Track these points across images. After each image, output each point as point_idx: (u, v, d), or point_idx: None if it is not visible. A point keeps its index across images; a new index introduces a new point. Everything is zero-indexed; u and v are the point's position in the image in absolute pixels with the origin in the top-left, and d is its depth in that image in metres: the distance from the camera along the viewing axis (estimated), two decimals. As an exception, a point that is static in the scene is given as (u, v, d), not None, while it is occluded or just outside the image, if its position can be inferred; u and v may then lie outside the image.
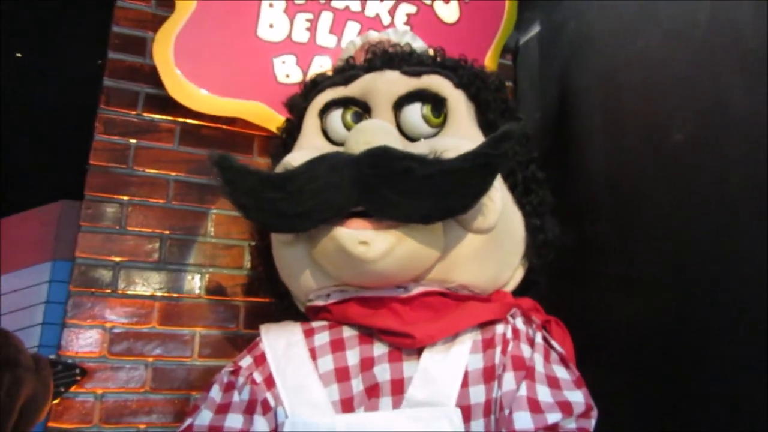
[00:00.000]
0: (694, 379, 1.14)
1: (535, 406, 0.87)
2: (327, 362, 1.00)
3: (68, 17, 1.61)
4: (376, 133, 0.99)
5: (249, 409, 0.97)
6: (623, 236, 1.38)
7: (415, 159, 0.90)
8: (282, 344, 1.05)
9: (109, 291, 1.40)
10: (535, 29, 1.84)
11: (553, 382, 0.92)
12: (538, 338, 0.98)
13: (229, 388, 1.01)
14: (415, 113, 1.08)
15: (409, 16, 1.59)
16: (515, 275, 1.11)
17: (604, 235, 1.42)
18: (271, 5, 1.49)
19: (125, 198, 1.46)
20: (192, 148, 1.54)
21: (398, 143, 1.00)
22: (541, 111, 1.74)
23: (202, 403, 1.01)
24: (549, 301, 1.15)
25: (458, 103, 1.09)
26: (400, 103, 1.09)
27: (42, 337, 1.37)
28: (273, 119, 1.50)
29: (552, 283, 1.22)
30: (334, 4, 1.54)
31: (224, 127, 1.57)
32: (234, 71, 1.47)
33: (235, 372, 1.03)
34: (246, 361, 1.05)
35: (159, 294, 1.44)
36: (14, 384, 0.94)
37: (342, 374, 0.98)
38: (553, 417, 0.86)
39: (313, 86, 1.19)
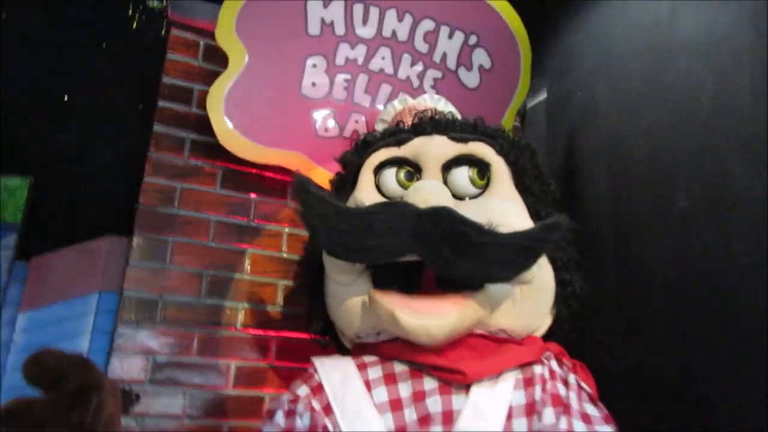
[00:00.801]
0: (695, 421, 1.28)
1: (574, 438, 1.00)
2: (382, 393, 1.11)
3: (120, 64, 1.72)
4: (434, 192, 1.13)
5: (311, 435, 1.07)
6: (627, 293, 1.53)
7: (472, 226, 1.04)
8: (338, 376, 1.15)
9: (152, 322, 1.49)
10: (543, 95, 2.02)
11: (586, 419, 1.05)
12: (572, 379, 1.11)
13: (290, 414, 1.11)
14: (462, 175, 1.22)
15: (435, 80, 1.76)
16: (545, 322, 1.24)
17: (610, 291, 1.57)
18: (314, 65, 1.64)
19: (170, 236, 1.56)
20: (232, 191, 1.66)
21: (451, 202, 1.14)
22: (548, 171, 1.90)
23: (267, 428, 1.11)
24: (566, 347, 1.29)
25: (500, 167, 1.24)
26: (448, 166, 1.23)
27: (87, 365, 1.44)
28: (311, 168, 1.63)
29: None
30: (370, 67, 1.69)
31: (262, 173, 1.69)
32: (278, 124, 1.60)
33: (294, 401, 1.13)
34: (303, 391, 1.15)
35: (198, 326, 1.54)
36: (98, 406, 1.01)
37: (396, 405, 1.09)
38: (590, 447, 0.99)
39: (366, 145, 1.33)
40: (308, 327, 1.46)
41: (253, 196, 1.67)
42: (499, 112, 1.84)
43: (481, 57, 1.80)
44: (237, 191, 1.66)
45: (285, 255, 1.67)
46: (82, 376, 1.00)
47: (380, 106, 1.69)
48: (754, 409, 1.16)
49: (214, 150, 1.62)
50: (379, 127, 1.56)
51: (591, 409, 1.08)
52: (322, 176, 1.64)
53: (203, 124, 1.63)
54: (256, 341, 1.58)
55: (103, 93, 1.71)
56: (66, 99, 1.67)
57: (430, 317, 1.07)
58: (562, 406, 1.05)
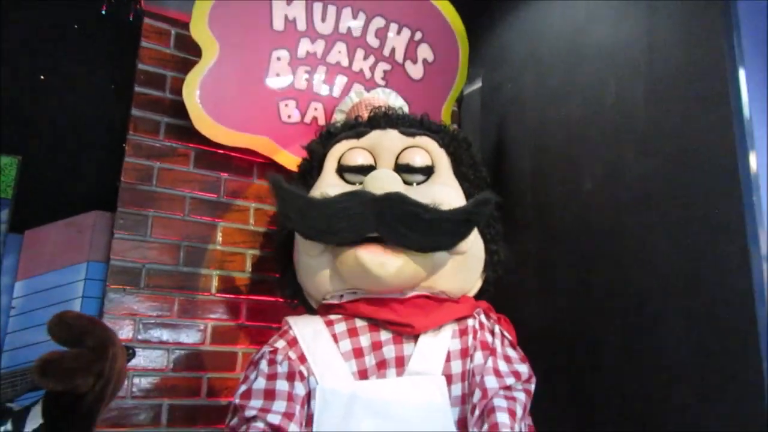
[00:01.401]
0: (592, 363, 1.60)
1: (497, 374, 1.29)
2: (346, 344, 1.37)
3: (95, 48, 1.87)
4: (387, 180, 1.38)
5: (290, 377, 1.32)
6: (542, 255, 1.84)
7: (420, 206, 1.30)
8: (309, 331, 1.40)
9: (137, 288, 1.69)
10: (478, 84, 2.28)
11: (507, 359, 1.35)
12: (497, 329, 1.41)
13: (272, 362, 1.35)
14: (411, 165, 1.48)
15: (385, 72, 1.98)
16: (477, 284, 1.53)
17: (529, 258, 1.87)
18: (278, 58, 1.83)
19: (150, 211, 1.75)
20: (204, 170, 1.85)
21: (402, 188, 1.39)
22: (480, 153, 2.17)
23: (251, 374, 1.35)
24: (492, 304, 1.58)
25: (441, 158, 1.50)
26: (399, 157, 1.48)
27: (79, 326, 1.63)
28: (276, 151, 1.84)
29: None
30: (328, 59, 1.90)
31: (230, 153, 1.88)
32: (246, 110, 1.80)
33: (274, 351, 1.37)
34: (280, 344, 1.39)
35: (177, 292, 1.75)
36: (113, 358, 1.22)
37: (358, 353, 1.36)
38: (509, 380, 1.29)
39: (330, 136, 1.56)
40: (276, 291, 1.70)
41: (223, 174, 1.87)
42: (440, 100, 2.09)
43: (425, 51, 2.03)
44: (208, 170, 1.86)
45: (252, 228, 1.89)
46: (100, 334, 1.21)
47: (336, 95, 1.91)
48: (636, 352, 1.49)
49: (187, 133, 1.80)
50: (338, 116, 1.79)
51: (511, 352, 1.38)
52: (286, 158, 1.85)
53: (176, 109, 1.81)
54: (229, 304, 1.80)
55: (83, 77, 1.85)
56: (45, 80, 1.80)
57: (385, 257, 1.33)
58: (489, 350, 1.35)
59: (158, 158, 1.79)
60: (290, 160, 1.85)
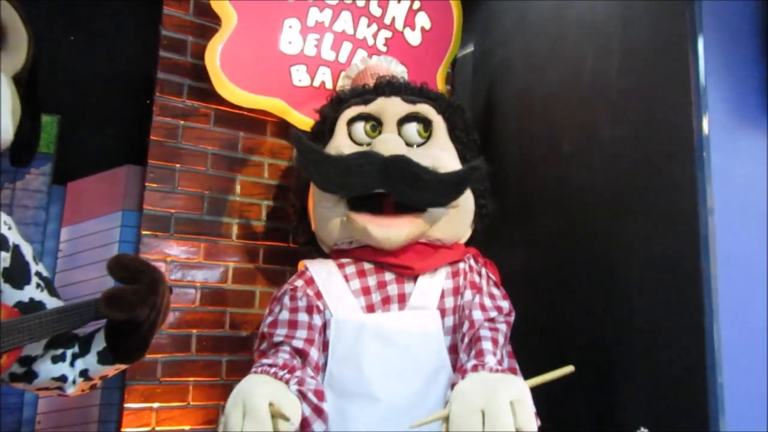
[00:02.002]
0: (566, 299, 1.86)
1: (483, 308, 1.55)
2: (356, 283, 1.62)
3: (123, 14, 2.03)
4: (393, 143, 1.61)
5: (309, 311, 1.56)
6: (525, 208, 2.07)
7: (422, 168, 1.53)
8: (323, 272, 1.65)
9: (167, 234, 1.92)
10: (470, 48, 2.47)
11: (491, 296, 1.60)
12: (483, 272, 1.66)
13: (293, 298, 1.59)
14: (412, 129, 1.69)
15: (386, 39, 2.17)
16: (467, 233, 1.77)
17: (513, 210, 2.11)
18: (290, 26, 2.01)
19: (177, 165, 1.96)
20: (223, 128, 2.05)
21: (404, 150, 1.61)
22: (471, 112, 2.38)
23: (276, 307, 1.59)
24: (480, 250, 1.82)
25: (439, 123, 1.72)
26: (402, 121, 1.70)
27: (118, 267, 1.86)
28: (288, 112, 2.04)
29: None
30: (334, 28, 2.08)
31: (246, 113, 2.08)
32: (262, 75, 1.99)
33: (294, 289, 1.62)
34: (299, 282, 1.64)
35: (202, 237, 1.97)
36: (163, 293, 1.45)
37: (366, 291, 1.61)
38: (493, 314, 1.54)
39: (340, 102, 1.76)
40: (289, 238, 1.94)
41: (240, 132, 2.07)
42: (436, 64, 2.28)
43: (422, 19, 2.22)
44: (227, 129, 2.05)
45: (266, 181, 2.10)
46: (152, 272, 1.44)
47: (342, 61, 2.10)
48: (604, 288, 1.75)
49: (207, 94, 2.00)
50: (345, 81, 1.98)
51: (495, 291, 1.63)
52: (297, 118, 2.06)
53: (197, 72, 2.00)
54: (247, 249, 2.04)
55: (112, 40, 2.03)
56: (78, 44, 1.97)
57: (391, 229, 1.57)
58: (476, 288, 1.60)
59: (182, 117, 1.98)
60: (301, 120, 2.05)
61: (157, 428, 1.82)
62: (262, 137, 2.11)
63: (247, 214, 2.06)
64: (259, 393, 1.21)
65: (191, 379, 1.88)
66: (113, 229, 1.88)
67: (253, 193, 2.08)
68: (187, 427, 1.85)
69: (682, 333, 1.52)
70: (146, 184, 1.90)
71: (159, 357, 1.84)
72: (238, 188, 2.05)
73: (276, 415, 1.18)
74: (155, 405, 1.82)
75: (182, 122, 1.98)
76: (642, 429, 1.17)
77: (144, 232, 1.88)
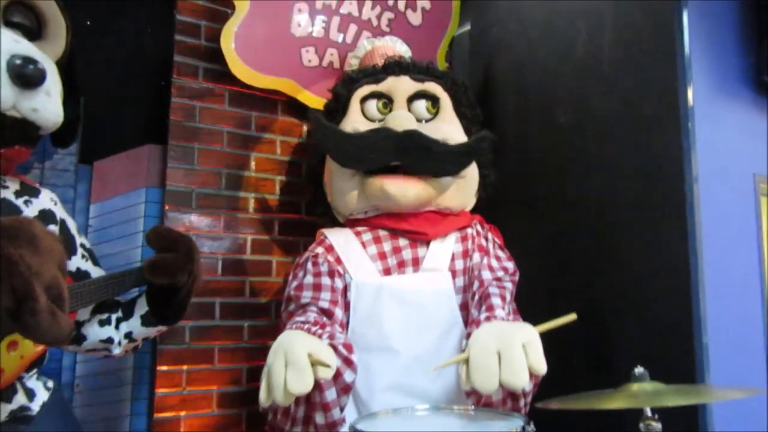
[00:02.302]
0: (563, 258, 2.02)
1: (491, 269, 1.70)
2: (372, 249, 1.75)
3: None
4: (405, 119, 1.74)
5: (330, 275, 1.70)
6: (524, 177, 2.21)
7: (432, 141, 1.66)
8: (342, 240, 1.78)
9: (190, 209, 2.03)
10: (467, 27, 2.59)
11: (498, 258, 1.75)
12: (489, 236, 1.81)
13: (315, 264, 1.73)
14: (421, 106, 1.82)
15: (389, 20, 2.28)
16: (473, 201, 1.91)
17: (512, 179, 2.24)
18: (299, 10, 2.12)
19: (196, 144, 2.07)
20: (237, 108, 2.16)
21: (415, 125, 1.74)
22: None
23: (300, 272, 1.73)
24: (484, 217, 1.97)
25: (446, 100, 1.84)
26: (411, 99, 1.82)
27: (143, 240, 1.97)
28: (298, 91, 2.16)
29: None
30: (341, 10, 2.19)
31: (258, 93, 2.19)
32: (273, 56, 2.09)
33: (315, 256, 1.75)
34: (320, 250, 1.77)
35: (221, 211, 2.09)
36: (198, 260, 1.58)
37: (382, 256, 1.75)
38: (500, 273, 1.69)
39: (352, 81, 1.88)
40: (308, 209, 2.07)
41: (253, 112, 2.18)
42: (436, 43, 2.40)
43: (423, 1, 2.33)
44: (241, 108, 2.16)
45: (279, 157, 2.22)
46: (188, 242, 1.57)
47: (349, 42, 2.21)
48: (597, 244, 1.90)
49: (221, 75, 2.10)
50: (353, 62, 2.10)
51: (501, 253, 1.78)
52: (307, 97, 2.17)
53: (211, 55, 2.09)
54: (264, 221, 2.16)
55: (132, 25, 2.12)
56: (99, 30, 2.06)
57: (405, 186, 1.70)
58: (483, 251, 1.75)
59: (199, 98, 2.09)
60: (310, 98, 2.16)
61: (187, 389, 1.95)
62: (273, 116, 2.22)
63: (262, 188, 2.17)
64: (298, 344, 1.35)
65: (216, 343, 2.02)
66: (138, 204, 1.99)
67: (267, 169, 2.19)
68: (214, 387, 1.99)
69: (670, 284, 1.68)
70: (168, 161, 2.01)
71: (187, 323, 1.96)
72: (252, 164, 2.17)
73: (315, 363, 1.32)
74: (185, 368, 1.96)
75: (199, 103, 2.09)
76: (638, 367, 1.32)
77: (168, 207, 1.99)
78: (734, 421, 1.64)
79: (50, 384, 1.42)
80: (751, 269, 1.82)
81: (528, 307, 1.76)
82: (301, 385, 1.31)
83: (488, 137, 1.74)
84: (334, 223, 1.96)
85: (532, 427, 1.28)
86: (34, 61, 1.25)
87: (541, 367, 1.34)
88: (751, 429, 1.67)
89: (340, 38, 2.21)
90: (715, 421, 1.58)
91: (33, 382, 1.36)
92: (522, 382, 1.33)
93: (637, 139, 1.84)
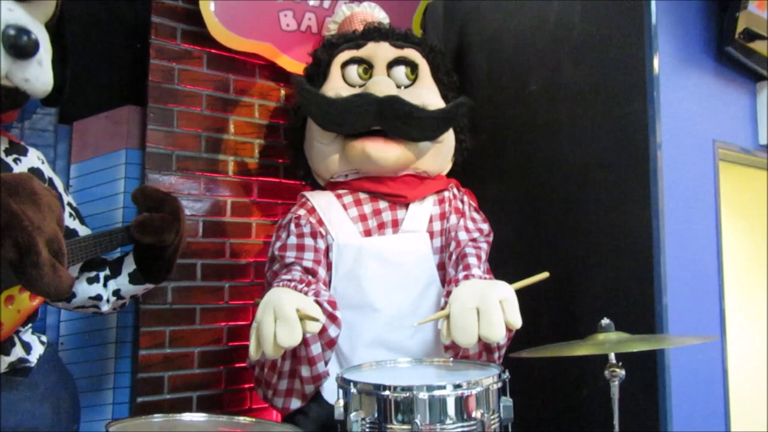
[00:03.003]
0: (535, 220, 2.11)
1: (467, 230, 1.78)
2: (353, 211, 1.81)
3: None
4: (385, 84, 1.79)
5: (313, 236, 1.76)
6: (496, 143, 2.29)
7: (413, 107, 1.72)
8: (323, 202, 1.83)
9: (170, 171, 2.05)
10: (441, -5, 2.62)
11: (473, 220, 1.83)
12: (465, 199, 1.88)
13: (298, 225, 1.78)
14: (401, 71, 1.87)
15: (366, -14, 2.30)
16: (449, 165, 1.97)
17: (484, 143, 2.32)
18: (278, -27, 2.13)
19: (175, 106, 2.07)
20: (215, 71, 2.17)
21: (395, 91, 1.79)
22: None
23: (283, 233, 1.78)
24: (459, 180, 2.04)
25: (424, 66, 1.89)
26: (391, 65, 1.87)
27: (125, 201, 1.99)
28: (277, 55, 2.18)
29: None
30: (319, -25, 2.21)
31: (236, 56, 2.20)
32: (252, 20, 2.10)
33: (297, 217, 1.80)
34: (302, 212, 1.82)
35: (201, 174, 2.12)
36: (184, 220, 1.62)
37: (363, 217, 1.81)
38: (475, 234, 1.77)
39: (332, 46, 1.91)
40: (290, 173, 2.11)
41: (231, 75, 2.20)
42: (411, 11, 2.44)
43: (399, -33, 2.35)
44: (219, 71, 2.17)
45: (257, 121, 2.24)
46: (173, 202, 1.61)
47: (326, 7, 2.23)
48: (568, 209, 2.00)
49: (199, 37, 2.10)
50: (332, 27, 2.12)
51: (476, 215, 1.87)
52: (285, 61, 2.19)
53: (188, 16, 2.09)
54: (243, 184, 2.19)
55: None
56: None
57: (386, 149, 1.76)
58: (460, 213, 1.83)
59: (177, 60, 2.09)
60: (289, 62, 2.19)
61: (170, 348, 2.00)
62: (252, 79, 2.24)
63: (241, 151, 2.20)
64: (286, 301, 1.41)
65: (198, 303, 2.06)
66: (118, 166, 2.00)
67: (246, 132, 2.22)
68: (196, 346, 2.05)
69: (633, 243, 1.78)
70: (148, 123, 2.02)
71: (169, 284, 2.00)
72: (231, 127, 2.19)
73: (303, 318, 1.39)
74: (167, 327, 2.00)
75: (177, 65, 2.09)
76: (605, 319, 1.43)
77: (148, 169, 2.01)
78: (690, 373, 1.77)
79: (44, 338, 1.46)
80: (709, 229, 1.95)
81: (500, 267, 1.85)
82: (291, 338, 1.37)
83: (466, 102, 1.81)
84: (315, 186, 2.00)
85: (507, 374, 1.37)
86: (27, 32, 1.25)
87: (517, 321, 1.43)
88: (705, 375, 1.82)
89: (317, 2, 2.22)
90: (672, 371, 1.70)
91: (29, 335, 1.40)
92: (499, 336, 1.42)
93: (605, 106, 1.92)
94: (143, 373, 1.95)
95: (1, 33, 1.23)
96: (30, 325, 1.41)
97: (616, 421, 1.43)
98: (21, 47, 1.25)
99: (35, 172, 1.44)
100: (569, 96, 2.03)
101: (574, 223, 1.97)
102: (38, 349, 1.40)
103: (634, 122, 1.85)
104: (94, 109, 2.04)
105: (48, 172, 1.51)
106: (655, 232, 1.77)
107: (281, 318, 1.38)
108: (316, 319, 1.39)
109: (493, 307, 1.41)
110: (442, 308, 1.55)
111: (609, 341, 1.40)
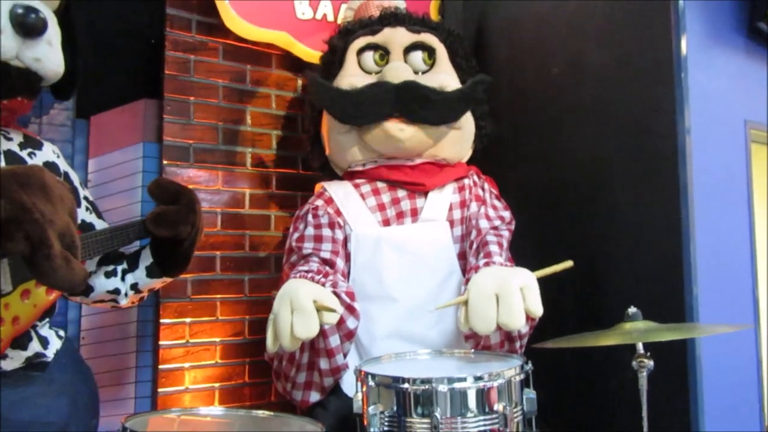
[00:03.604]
0: (555, 212, 2.06)
1: (488, 218, 1.73)
2: (372, 200, 1.78)
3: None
4: (402, 70, 1.75)
5: (331, 226, 1.73)
6: (517, 129, 2.23)
7: (430, 90, 1.68)
8: (341, 192, 1.81)
9: (188, 164, 2.04)
10: (460, -21, 2.57)
11: (494, 207, 1.79)
12: (486, 186, 1.84)
13: (315, 216, 1.75)
14: (417, 57, 1.83)
15: (383, -26, 2.26)
16: (468, 153, 1.93)
17: (505, 129, 2.27)
18: (292, -39, 2.10)
19: (192, 98, 2.06)
20: (232, 62, 2.15)
21: (412, 76, 1.75)
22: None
23: (300, 224, 1.75)
24: (480, 168, 1.99)
25: (442, 51, 1.85)
26: (408, 50, 1.83)
27: (143, 195, 1.98)
28: (293, 44, 2.14)
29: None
30: (334, -38, 2.17)
31: (252, 47, 2.17)
32: (267, 9, 2.07)
33: (315, 208, 1.78)
34: (320, 202, 1.79)
35: (219, 166, 2.10)
36: (200, 212, 1.60)
37: (381, 207, 1.78)
38: (497, 222, 1.73)
39: (348, 33, 1.88)
40: (307, 163, 2.09)
41: (247, 65, 2.17)
42: (428, -2, 2.40)
43: (416, -47, 2.30)
44: (235, 62, 2.15)
45: (274, 111, 2.22)
46: (189, 194, 1.59)
47: (342, -6, 2.20)
48: (590, 196, 1.94)
49: (215, 29, 2.09)
50: (348, 13, 2.09)
51: (497, 203, 1.82)
52: (301, 50, 2.16)
53: (203, 8, 2.07)
54: (261, 176, 2.17)
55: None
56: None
57: (403, 125, 1.72)
58: (480, 201, 1.78)
59: (193, 52, 2.07)
60: (305, 51, 2.15)
61: (191, 340, 1.99)
62: (268, 69, 2.21)
63: (258, 143, 2.18)
64: (303, 292, 1.39)
65: (218, 296, 2.05)
66: (136, 159, 2.00)
67: (263, 123, 2.20)
68: (217, 339, 2.04)
69: (662, 231, 1.72)
70: (164, 116, 2.01)
71: (188, 277, 1.99)
72: (248, 119, 2.17)
73: (320, 309, 1.36)
74: (188, 320, 1.99)
75: (193, 57, 2.07)
76: (632, 307, 1.38)
77: (166, 162, 2.00)
78: (722, 363, 1.71)
79: (62, 333, 1.45)
80: (741, 215, 1.88)
81: (522, 256, 1.80)
82: (307, 330, 1.35)
83: (485, 80, 1.77)
84: (333, 177, 1.97)
85: (529, 366, 1.33)
86: (35, 10, 1.24)
87: (538, 309, 1.39)
88: (738, 365, 1.75)
89: (333, -10, 2.19)
90: (704, 361, 1.64)
91: (46, 330, 1.39)
92: (518, 323, 1.38)
93: (630, 90, 1.86)
94: (164, 366, 1.95)
95: (9, 12, 1.22)
96: (47, 319, 1.40)
97: (644, 414, 1.38)
98: (30, 25, 1.24)
99: (50, 166, 1.43)
100: (593, 79, 1.97)
101: (598, 210, 1.91)
102: (55, 344, 1.39)
103: (661, 106, 1.79)
104: (111, 103, 2.04)
105: (63, 166, 1.50)
106: (684, 219, 1.71)
107: (298, 309, 1.36)
108: (333, 310, 1.37)
109: (512, 294, 1.37)
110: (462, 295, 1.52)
111: (636, 330, 1.35)
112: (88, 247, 1.43)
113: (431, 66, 1.84)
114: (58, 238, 1.08)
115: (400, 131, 1.71)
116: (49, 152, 1.46)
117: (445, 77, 1.79)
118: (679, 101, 1.76)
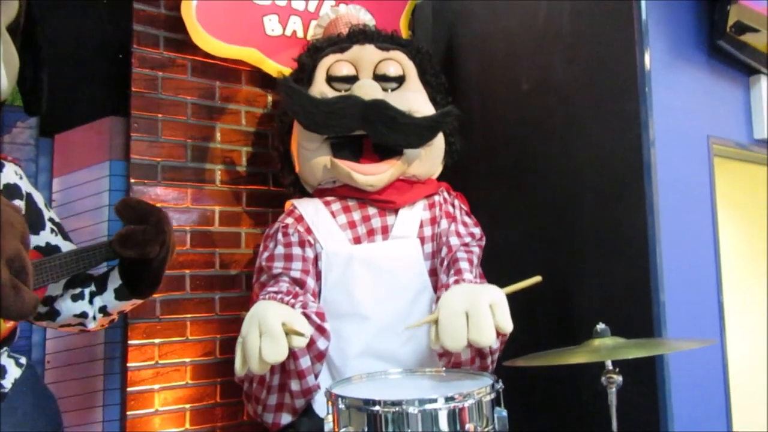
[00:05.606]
0: (526, 228, 2.07)
1: (458, 235, 1.74)
2: (342, 218, 1.78)
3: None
4: (371, 88, 1.75)
5: (301, 245, 1.72)
6: (488, 145, 2.25)
7: (399, 112, 1.68)
8: (311, 209, 1.80)
9: (155, 181, 2.02)
10: (429, -5, 2.58)
11: (464, 224, 1.79)
12: (456, 203, 1.84)
13: (285, 234, 1.74)
14: (387, 74, 1.83)
15: (352, -11, 2.27)
16: (439, 169, 1.93)
17: (477, 147, 2.28)
18: (261, -23, 2.09)
19: (159, 115, 2.04)
20: (200, 78, 2.13)
21: (381, 94, 1.76)
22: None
23: (270, 243, 1.74)
24: (450, 184, 2.00)
25: (411, 69, 1.86)
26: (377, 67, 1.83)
27: (110, 214, 1.95)
28: (262, 61, 2.14)
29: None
30: (303, -21, 2.17)
31: (221, 63, 2.16)
32: (236, 25, 2.06)
33: (285, 226, 1.76)
34: (290, 220, 1.78)
35: (188, 184, 2.08)
36: (170, 231, 1.57)
37: (352, 224, 1.77)
38: (467, 239, 1.74)
39: (317, 51, 1.88)
40: (278, 180, 2.07)
41: (216, 82, 2.16)
42: (398, 12, 2.40)
43: (385, -32, 2.32)
44: (204, 78, 2.13)
45: (244, 128, 2.21)
46: (158, 213, 1.57)
47: (312, 10, 2.19)
48: (561, 208, 1.96)
49: (183, 45, 2.07)
50: (317, 30, 2.09)
51: (467, 219, 1.83)
52: (271, 67, 2.15)
53: (171, 24, 2.06)
54: (231, 193, 2.15)
55: None
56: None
57: (374, 176, 1.73)
58: (451, 218, 1.79)
59: (160, 69, 2.05)
60: (274, 68, 2.14)
61: (160, 361, 1.96)
62: (237, 86, 2.20)
63: (228, 160, 2.16)
64: (271, 314, 1.37)
65: (188, 315, 2.03)
66: (102, 178, 1.97)
67: (233, 140, 2.18)
68: (187, 359, 2.01)
69: (628, 245, 1.74)
70: (131, 134, 1.98)
71: (157, 297, 1.96)
72: (218, 136, 2.15)
73: (289, 332, 1.35)
74: (157, 341, 1.96)
75: (161, 73, 2.05)
76: (600, 324, 1.39)
77: (133, 180, 1.97)
78: (690, 374, 1.73)
79: (23, 360, 1.41)
80: (705, 228, 1.91)
81: (494, 271, 1.81)
82: (276, 353, 1.33)
83: (453, 112, 1.77)
84: (303, 194, 1.97)
85: (500, 384, 1.34)
86: None
87: (507, 325, 1.40)
88: (706, 378, 1.78)
89: (302, 6, 2.19)
90: (672, 373, 1.66)
91: (4, 359, 1.36)
92: (489, 340, 1.39)
93: (597, 104, 1.88)
94: (133, 388, 1.91)
95: None
96: (6, 348, 1.36)
97: (614, 428, 1.39)
98: None
99: (11, 188, 1.40)
100: (561, 95, 1.99)
101: (568, 225, 1.93)
102: (14, 373, 1.35)
103: (627, 120, 1.81)
104: (76, 121, 2.01)
105: (26, 187, 1.47)
106: (650, 231, 1.73)
107: (266, 332, 1.34)
108: (302, 334, 1.35)
109: (482, 311, 1.38)
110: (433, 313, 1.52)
111: (605, 347, 1.36)
112: (52, 271, 1.40)
113: (401, 84, 1.85)
114: (6, 264, 1.05)
115: (371, 184, 1.76)
116: (10, 173, 1.43)
117: (414, 96, 1.80)
118: (644, 115, 1.79)
